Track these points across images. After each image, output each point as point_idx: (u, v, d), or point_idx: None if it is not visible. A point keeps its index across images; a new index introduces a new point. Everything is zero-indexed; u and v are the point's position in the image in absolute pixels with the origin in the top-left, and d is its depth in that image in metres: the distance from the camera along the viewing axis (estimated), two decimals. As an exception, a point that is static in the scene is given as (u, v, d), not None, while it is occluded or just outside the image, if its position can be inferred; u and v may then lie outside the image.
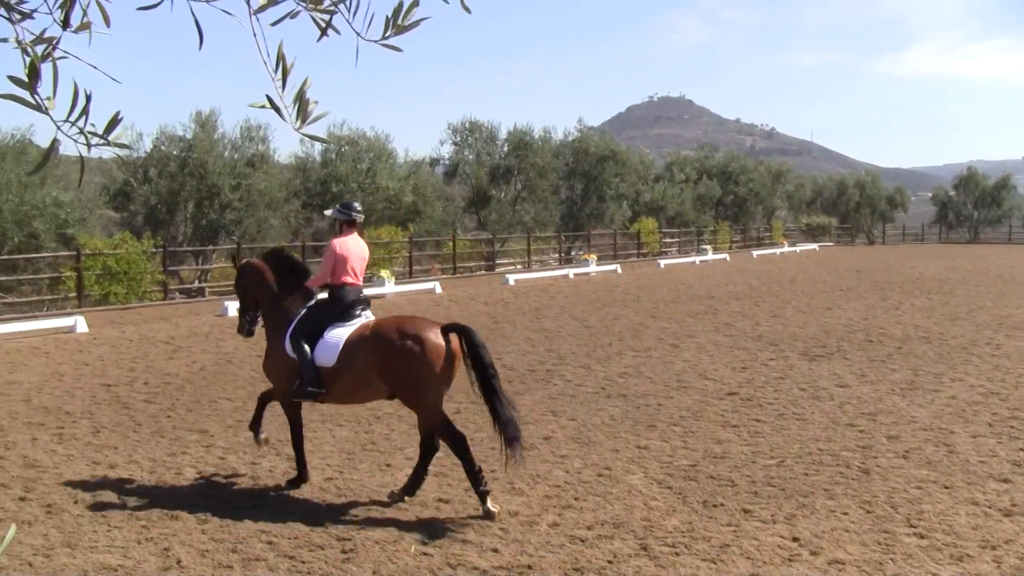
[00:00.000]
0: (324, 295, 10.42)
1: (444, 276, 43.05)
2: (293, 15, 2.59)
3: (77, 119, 2.26)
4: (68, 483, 10.38)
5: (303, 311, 10.27)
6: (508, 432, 9.25)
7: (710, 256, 58.14)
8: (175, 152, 41.62)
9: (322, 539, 8.48)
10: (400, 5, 2.62)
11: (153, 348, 20.84)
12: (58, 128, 2.25)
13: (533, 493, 9.84)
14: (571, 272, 43.92)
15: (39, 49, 2.29)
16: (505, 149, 57.91)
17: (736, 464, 10.91)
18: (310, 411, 13.80)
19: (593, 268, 45.97)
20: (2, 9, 2.31)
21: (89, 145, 2.29)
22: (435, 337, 9.47)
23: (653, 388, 15.61)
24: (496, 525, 8.82)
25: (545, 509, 9.32)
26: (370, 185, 46.93)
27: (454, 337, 9.58)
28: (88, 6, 2.39)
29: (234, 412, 14.02)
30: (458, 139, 57.75)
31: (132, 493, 9.98)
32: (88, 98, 2.24)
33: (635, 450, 11.61)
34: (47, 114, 2.24)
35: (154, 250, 33.77)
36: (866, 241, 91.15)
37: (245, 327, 10.86)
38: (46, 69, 2.24)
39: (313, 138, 2.74)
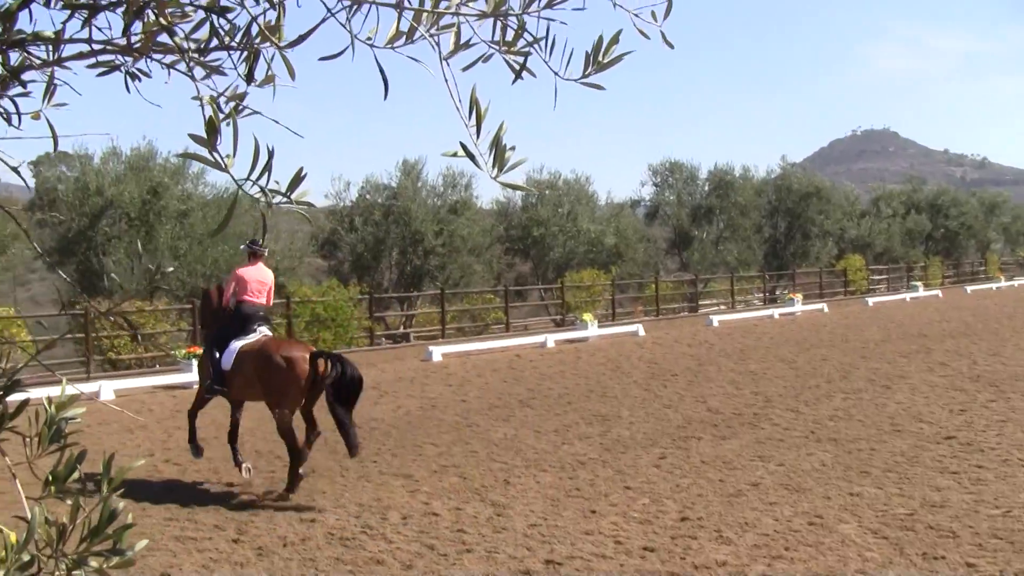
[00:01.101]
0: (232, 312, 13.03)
1: (647, 318, 42.80)
2: (486, 59, 2.50)
3: (259, 177, 2.21)
4: (278, 526, 10.61)
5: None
6: (349, 439, 11.86)
7: (921, 292, 56.32)
8: (379, 200, 42.58)
9: (526, 588, 8.39)
10: (600, 41, 2.50)
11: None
12: (239, 186, 2.21)
13: (741, 542, 9.55)
14: (776, 312, 43.06)
15: (224, 104, 2.26)
16: (706, 189, 57.39)
17: (957, 514, 10.36)
18: (514, 457, 13.83)
19: (799, 307, 45.01)
20: (193, 65, 2.29)
21: (270, 204, 2.25)
22: (302, 360, 11.97)
23: (865, 432, 15.05)
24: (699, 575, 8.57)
25: (754, 559, 9.02)
26: (571, 228, 47.10)
27: (321, 361, 12.08)
28: (272, 59, 2.36)
29: (438, 457, 14.12)
30: (658, 180, 57.46)
31: (339, 537, 10.12)
32: (270, 154, 2.19)
33: (848, 497, 11.17)
34: (227, 171, 2.21)
35: (360, 296, 34.58)
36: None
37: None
38: (225, 125, 2.21)
39: (511, 186, 2.64)
